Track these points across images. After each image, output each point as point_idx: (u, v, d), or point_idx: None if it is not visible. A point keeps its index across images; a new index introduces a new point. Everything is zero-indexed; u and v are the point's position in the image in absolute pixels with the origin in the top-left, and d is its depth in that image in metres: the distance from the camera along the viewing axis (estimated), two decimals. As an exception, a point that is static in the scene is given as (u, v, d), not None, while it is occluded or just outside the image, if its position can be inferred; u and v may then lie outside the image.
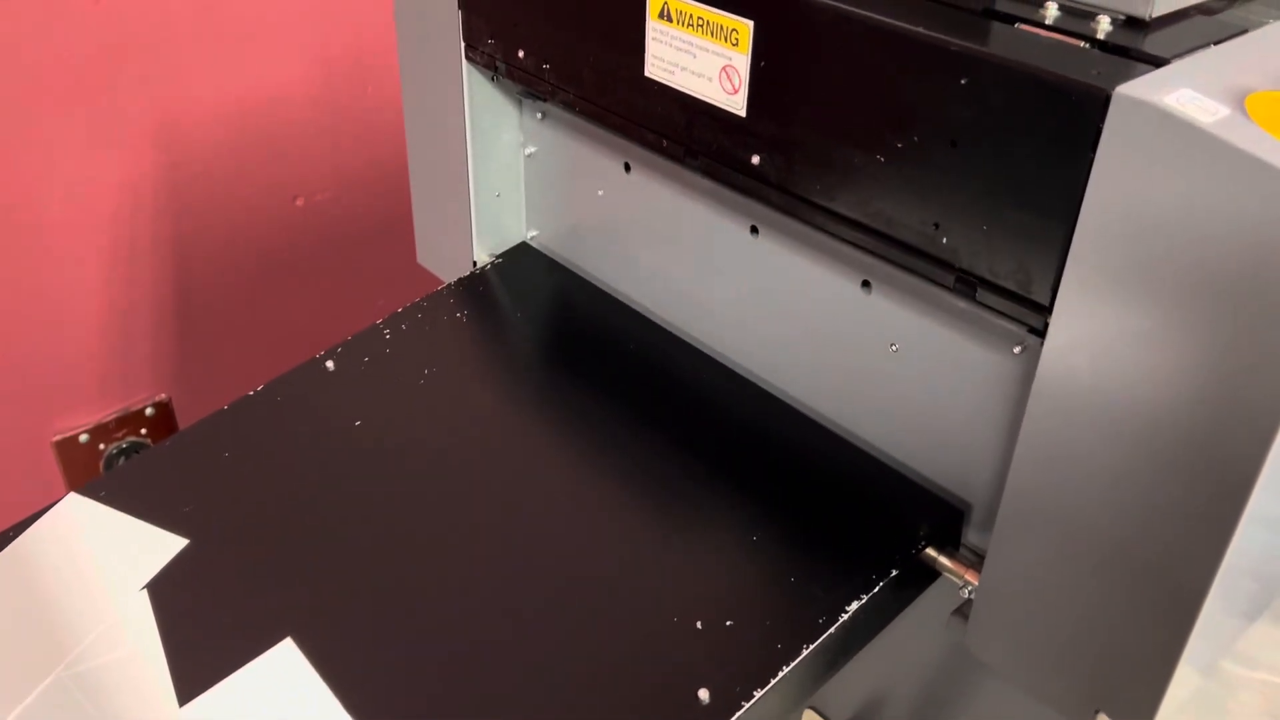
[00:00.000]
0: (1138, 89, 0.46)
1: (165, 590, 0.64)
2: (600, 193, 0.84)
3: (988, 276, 0.55)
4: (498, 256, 0.92)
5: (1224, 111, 0.45)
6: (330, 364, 0.80)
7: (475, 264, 0.92)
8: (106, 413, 1.42)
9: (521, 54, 0.78)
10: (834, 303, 0.69)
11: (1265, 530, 0.50)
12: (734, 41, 0.62)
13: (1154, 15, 0.52)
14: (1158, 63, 0.49)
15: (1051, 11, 0.54)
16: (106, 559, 0.66)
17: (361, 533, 0.67)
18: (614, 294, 0.87)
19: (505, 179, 0.91)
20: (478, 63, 0.83)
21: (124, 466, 0.74)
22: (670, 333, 0.82)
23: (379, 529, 0.67)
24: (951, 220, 0.55)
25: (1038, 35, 0.53)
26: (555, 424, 0.76)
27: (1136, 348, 0.49)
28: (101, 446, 1.43)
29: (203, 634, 0.62)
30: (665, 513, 0.68)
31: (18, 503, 0.80)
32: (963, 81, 0.52)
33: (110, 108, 1.27)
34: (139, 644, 0.61)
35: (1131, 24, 0.53)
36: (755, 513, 0.67)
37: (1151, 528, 0.51)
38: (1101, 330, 0.50)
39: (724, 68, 0.63)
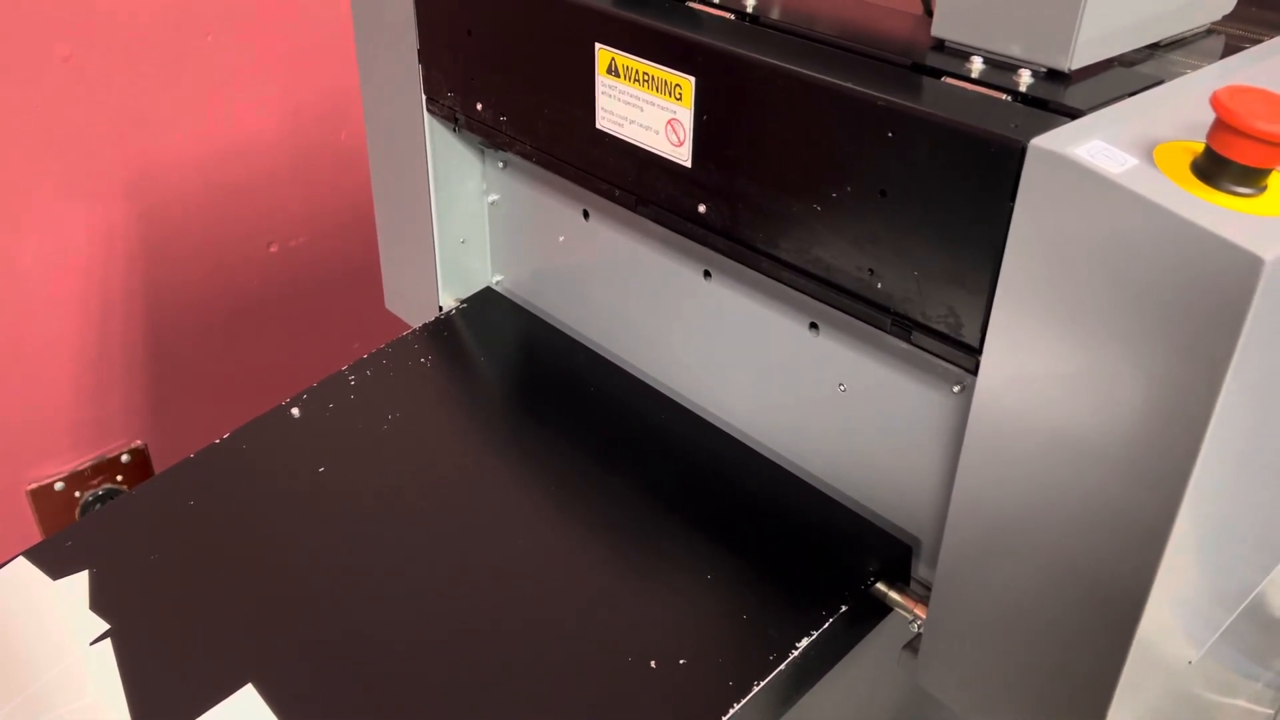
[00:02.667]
0: (1052, 141, 0.48)
1: (128, 638, 0.65)
2: (561, 238, 0.86)
3: (921, 320, 0.57)
4: (462, 301, 0.94)
5: (1132, 162, 0.47)
6: (295, 411, 0.81)
7: (441, 309, 0.94)
8: (82, 460, 1.43)
9: (480, 107, 0.80)
10: (784, 344, 0.71)
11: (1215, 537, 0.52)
12: (678, 96, 0.64)
13: (1074, 68, 0.55)
14: (1074, 115, 0.51)
15: (977, 65, 0.56)
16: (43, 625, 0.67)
17: (322, 579, 0.68)
18: (576, 337, 0.88)
19: (470, 225, 0.93)
20: (439, 115, 0.85)
21: (91, 516, 0.75)
22: (630, 374, 0.84)
23: (339, 575, 0.68)
24: (884, 267, 0.57)
25: (963, 89, 0.55)
26: (514, 468, 0.77)
27: (1063, 384, 0.51)
28: (77, 494, 1.43)
29: (165, 681, 0.62)
30: (624, 554, 0.69)
31: (-11, 553, 0.80)
32: (890, 134, 0.54)
33: (82, 157, 1.28)
34: (101, 693, 0.62)
35: (1053, 76, 0.55)
36: (711, 551, 0.69)
37: (1086, 552, 0.52)
38: (1029, 368, 0.52)
39: (669, 121, 0.65)
